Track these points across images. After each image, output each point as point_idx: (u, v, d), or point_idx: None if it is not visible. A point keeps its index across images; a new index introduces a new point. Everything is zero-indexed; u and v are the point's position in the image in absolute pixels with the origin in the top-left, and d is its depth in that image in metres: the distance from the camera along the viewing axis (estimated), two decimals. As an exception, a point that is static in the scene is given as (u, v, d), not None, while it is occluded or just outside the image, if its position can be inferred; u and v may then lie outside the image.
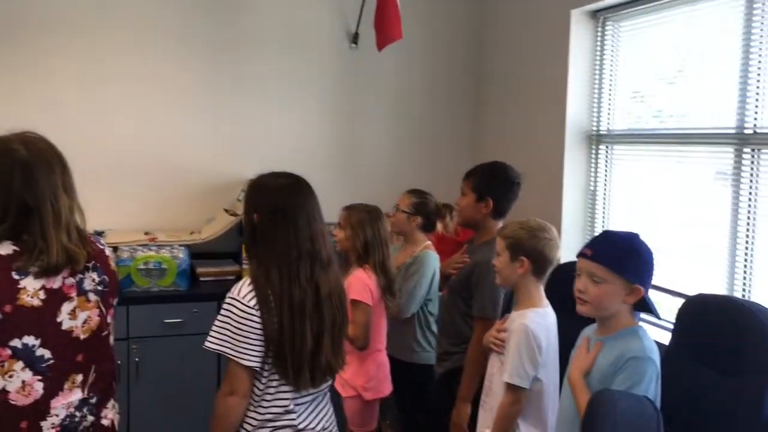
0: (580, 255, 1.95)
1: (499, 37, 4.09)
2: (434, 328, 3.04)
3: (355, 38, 3.98)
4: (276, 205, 1.87)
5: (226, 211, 3.69)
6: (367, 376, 2.72)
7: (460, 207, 2.75)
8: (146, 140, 3.69)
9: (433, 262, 3.01)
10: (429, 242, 3.08)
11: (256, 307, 1.78)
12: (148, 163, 3.70)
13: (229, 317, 1.79)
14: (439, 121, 4.27)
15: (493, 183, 2.65)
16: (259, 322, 1.78)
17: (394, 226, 3.06)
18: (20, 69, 3.44)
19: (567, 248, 3.43)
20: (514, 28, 3.93)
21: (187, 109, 3.76)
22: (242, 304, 1.79)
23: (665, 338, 2.29)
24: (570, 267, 2.06)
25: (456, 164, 3.94)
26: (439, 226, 3.36)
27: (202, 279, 3.49)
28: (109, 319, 1.83)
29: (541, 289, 2.23)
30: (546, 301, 2.23)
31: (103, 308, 1.79)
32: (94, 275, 1.78)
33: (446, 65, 4.26)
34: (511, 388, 2.10)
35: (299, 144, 3.96)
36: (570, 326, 2.10)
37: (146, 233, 3.55)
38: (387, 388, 2.82)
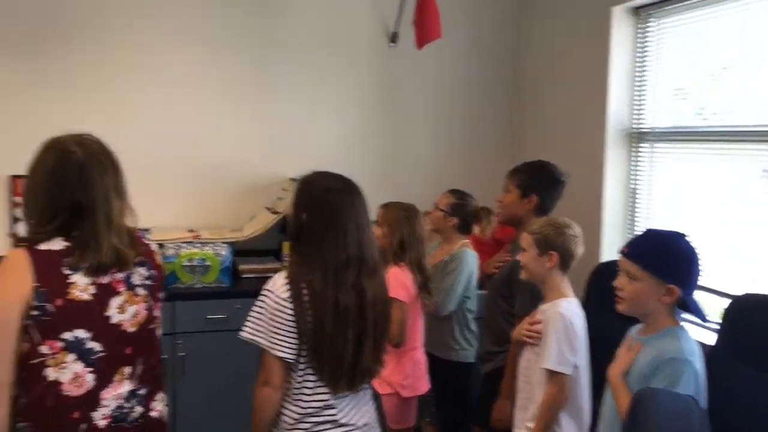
0: (620, 252, 1.96)
1: (539, 35, 4.06)
2: (473, 326, 3.05)
3: (394, 37, 4.00)
4: (326, 206, 1.89)
5: (268, 209, 3.76)
6: (404, 373, 2.75)
7: (503, 203, 2.76)
8: (191, 140, 3.77)
9: (471, 260, 3.02)
10: (467, 240, 3.09)
11: (289, 300, 1.82)
12: (193, 162, 3.78)
13: (263, 308, 1.85)
14: (478, 120, 4.27)
15: (539, 180, 2.66)
16: (291, 315, 1.82)
17: (431, 223, 3.08)
18: (74, 73, 3.55)
19: (608, 247, 3.41)
20: (554, 26, 3.90)
21: (230, 109, 3.83)
22: (276, 296, 1.83)
23: (712, 339, 2.26)
24: (611, 265, 2.07)
25: (495, 164, 3.96)
26: (476, 229, 3.36)
27: (243, 276, 3.56)
28: (156, 313, 1.89)
29: (567, 281, 2.29)
30: (573, 293, 2.29)
31: (150, 302, 1.85)
32: (142, 270, 1.83)
33: (486, 64, 4.25)
34: (553, 376, 2.13)
35: (339, 143, 4.00)
36: (610, 324, 2.09)
37: (190, 231, 3.63)
38: (424, 386, 2.84)
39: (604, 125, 3.43)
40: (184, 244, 3.41)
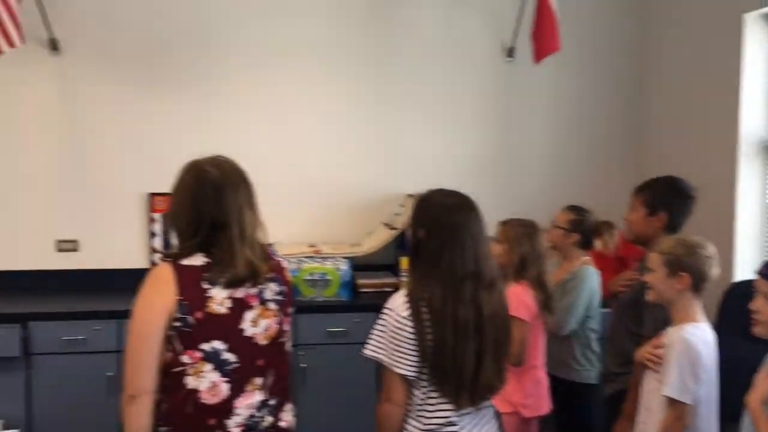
0: (758, 273, 1.86)
1: (664, 45, 3.91)
2: (595, 345, 2.97)
3: (510, 52, 3.98)
4: (444, 223, 1.92)
5: (385, 224, 3.82)
6: (525, 392, 2.70)
7: (630, 222, 2.68)
8: (311, 158, 3.90)
9: (593, 279, 2.94)
10: (588, 258, 3.02)
11: (409, 318, 1.85)
12: (313, 179, 3.91)
13: (384, 326, 1.89)
14: (599, 134, 4.16)
15: (668, 196, 2.57)
16: (412, 333, 1.84)
17: (550, 241, 3.03)
18: (204, 97, 3.77)
19: (742, 266, 3.22)
20: (680, 35, 3.74)
21: (347, 126, 3.94)
22: (396, 314, 1.87)
23: None
24: (745, 285, 1.96)
25: (618, 179, 3.84)
26: (598, 244, 3.26)
27: (362, 290, 3.64)
28: (285, 327, 1.97)
29: (698, 305, 2.18)
30: (704, 317, 2.18)
31: (281, 317, 1.93)
32: (273, 286, 1.92)
33: (606, 76, 4.14)
34: (673, 404, 2.04)
35: (455, 158, 4.02)
36: (746, 348, 1.98)
37: (311, 245, 3.76)
38: (545, 406, 2.78)
39: (736, 137, 3.26)
40: (305, 259, 3.54)
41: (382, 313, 1.91)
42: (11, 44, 3.05)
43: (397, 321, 1.86)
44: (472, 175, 3.97)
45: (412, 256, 2.01)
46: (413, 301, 1.87)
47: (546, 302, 2.71)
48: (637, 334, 2.47)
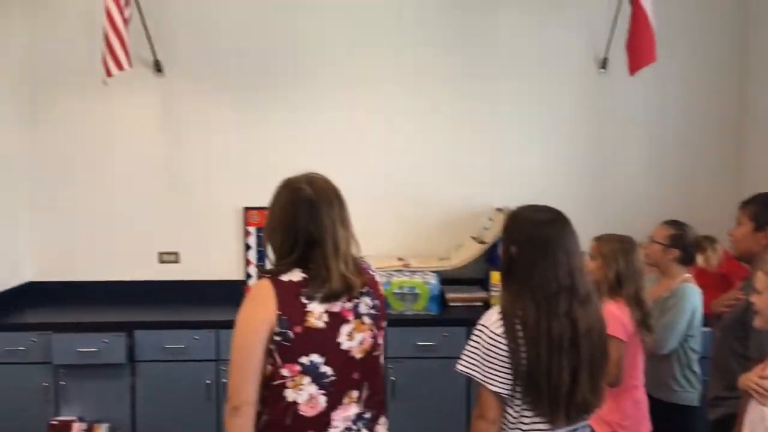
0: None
1: (765, 54, 3.72)
2: (696, 366, 2.86)
3: (604, 63, 3.89)
4: (536, 239, 1.90)
5: (474, 238, 3.81)
6: (623, 413, 2.62)
7: (736, 238, 2.58)
8: (399, 172, 3.94)
9: (694, 297, 2.83)
10: (689, 275, 2.90)
11: (503, 336, 1.83)
12: (402, 192, 3.94)
13: (478, 343, 1.87)
14: (697, 146, 3.99)
15: None
16: (506, 351, 1.82)
17: (647, 258, 2.93)
18: (297, 114, 3.88)
19: None
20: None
21: (437, 140, 3.95)
22: (490, 331, 1.85)
23: None
24: None
25: (718, 193, 3.71)
26: (699, 260, 3.13)
27: (451, 304, 3.64)
28: (380, 341, 2.00)
29: None
30: None
31: (375, 331, 1.96)
32: (368, 300, 1.95)
33: (705, 87, 3.97)
34: None
35: (546, 172, 3.96)
36: None
37: (399, 259, 3.79)
38: (645, 428, 2.69)
39: None
40: (394, 272, 3.57)
41: (475, 329, 1.90)
42: (120, 67, 3.25)
43: (490, 338, 1.85)
44: (564, 188, 3.90)
45: (505, 273, 1.99)
46: (507, 318, 1.85)
47: (644, 320, 2.62)
48: (743, 356, 2.36)
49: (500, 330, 1.84)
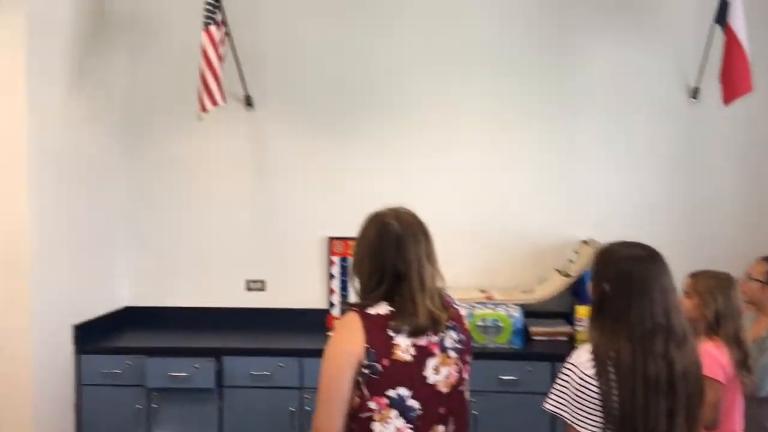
0: None
1: None
2: (799, 411, 2.70)
3: (695, 93, 3.78)
4: (629, 276, 1.86)
5: (558, 271, 3.74)
6: (721, 458, 2.50)
7: None
8: (482, 202, 3.92)
9: (797, 336, 2.69)
10: (791, 314, 2.76)
11: (595, 377, 1.80)
12: (485, 224, 3.92)
13: (567, 383, 1.84)
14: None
15: None
16: (597, 393, 1.78)
17: (745, 295, 2.81)
18: (381, 148, 3.94)
19: None
20: None
21: (519, 171, 3.92)
22: (581, 371, 1.82)
23: None
24: None
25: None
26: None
27: (534, 338, 3.57)
28: (465, 375, 2.00)
29: None
30: None
31: (460, 365, 1.96)
32: (453, 334, 1.96)
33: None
34: None
35: (634, 204, 3.85)
36: None
37: (482, 291, 3.76)
38: (742, 473, 2.56)
39: None
40: (477, 305, 3.54)
41: (564, 368, 1.87)
42: (215, 103, 3.40)
43: (581, 379, 1.81)
44: (653, 222, 3.78)
45: (596, 311, 1.95)
46: (599, 358, 1.81)
47: (743, 361, 2.51)
48: None
49: (592, 371, 1.81)
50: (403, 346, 1.85)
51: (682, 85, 3.82)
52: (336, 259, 3.91)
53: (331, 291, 3.91)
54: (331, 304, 3.90)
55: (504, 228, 3.92)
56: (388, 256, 1.91)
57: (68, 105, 3.45)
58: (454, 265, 3.76)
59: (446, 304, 1.98)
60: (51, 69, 3.30)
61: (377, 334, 1.84)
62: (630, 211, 3.84)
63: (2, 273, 3.09)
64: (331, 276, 3.91)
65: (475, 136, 3.91)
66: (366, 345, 1.83)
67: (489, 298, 3.63)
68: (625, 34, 3.85)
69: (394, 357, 1.84)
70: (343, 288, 3.89)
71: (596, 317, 1.95)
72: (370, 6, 3.93)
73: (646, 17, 3.84)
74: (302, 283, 3.96)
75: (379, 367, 1.82)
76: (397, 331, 1.86)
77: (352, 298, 3.79)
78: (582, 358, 1.84)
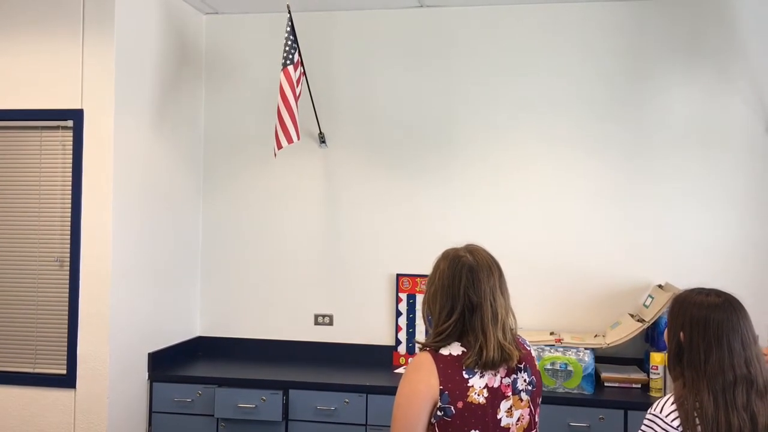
0: None
1: None
2: None
3: (777, 133, 3.67)
4: (707, 324, 1.82)
5: (631, 315, 3.64)
6: None
7: None
8: (554, 244, 3.87)
9: None
10: None
11: (679, 429, 1.75)
12: (556, 265, 3.86)
13: None
14: None
15: None
16: None
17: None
18: (450, 185, 3.96)
19: None
20: None
21: (592, 213, 3.86)
22: (665, 423, 1.78)
23: None
24: None
25: None
26: None
27: (606, 384, 3.47)
28: (536, 419, 1.97)
29: None
30: None
31: (532, 407, 1.94)
32: (525, 376, 1.94)
33: None
34: None
35: (711, 249, 3.72)
36: None
37: (552, 333, 3.69)
38: None
39: None
40: (546, 347, 3.48)
41: (647, 419, 1.83)
42: (290, 140, 3.49)
43: (665, 431, 1.77)
44: (731, 266, 3.65)
45: (673, 360, 1.91)
46: (683, 410, 1.76)
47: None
48: None
49: (676, 423, 1.76)
50: (477, 388, 1.84)
51: (762, 123, 3.71)
52: (403, 296, 3.92)
53: (398, 328, 3.91)
54: (398, 341, 3.90)
55: (576, 270, 3.86)
56: (461, 287, 1.91)
57: (151, 138, 3.63)
58: (525, 306, 3.80)
59: (518, 343, 1.97)
60: (136, 102, 3.49)
61: (451, 375, 1.84)
62: (707, 254, 3.72)
63: (87, 300, 3.25)
64: (399, 313, 3.92)
65: (548, 179, 3.89)
66: (440, 387, 1.82)
67: (559, 340, 3.56)
68: (702, 74, 3.77)
69: (468, 399, 1.83)
70: (410, 325, 3.89)
71: (674, 367, 1.91)
72: (447, 56, 3.99)
73: (728, 58, 3.75)
74: (369, 319, 3.98)
75: (453, 410, 1.81)
76: (471, 372, 1.85)
77: (420, 336, 3.81)
78: (666, 410, 1.80)
